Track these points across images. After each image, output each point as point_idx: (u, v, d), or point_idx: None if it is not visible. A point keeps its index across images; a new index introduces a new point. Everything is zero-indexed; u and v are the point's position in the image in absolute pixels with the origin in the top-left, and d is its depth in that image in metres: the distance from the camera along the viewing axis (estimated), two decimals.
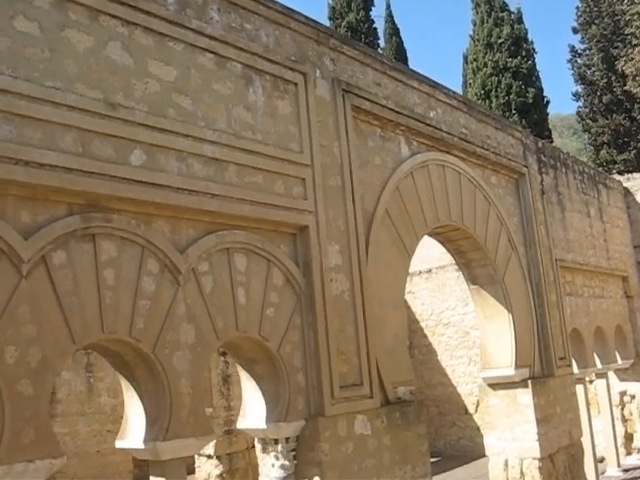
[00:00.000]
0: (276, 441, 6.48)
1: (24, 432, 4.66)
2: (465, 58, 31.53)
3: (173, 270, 5.76)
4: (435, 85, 9.74)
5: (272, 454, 6.47)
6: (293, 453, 6.47)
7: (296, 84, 7.18)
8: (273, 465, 6.42)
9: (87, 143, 5.26)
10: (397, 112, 8.66)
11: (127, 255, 5.48)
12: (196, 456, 13.57)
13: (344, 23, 32.17)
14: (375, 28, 33.88)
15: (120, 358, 5.71)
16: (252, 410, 6.58)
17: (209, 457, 13.18)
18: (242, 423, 6.63)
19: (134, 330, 5.40)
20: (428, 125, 9.27)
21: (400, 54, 33.90)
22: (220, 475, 12.80)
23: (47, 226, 5.03)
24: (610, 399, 15.18)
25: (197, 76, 6.20)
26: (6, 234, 4.78)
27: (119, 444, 5.72)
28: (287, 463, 6.39)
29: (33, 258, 4.89)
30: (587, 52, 31.19)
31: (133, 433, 5.61)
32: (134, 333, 5.40)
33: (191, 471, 14.16)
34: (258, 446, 6.65)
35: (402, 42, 35.61)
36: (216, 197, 6.08)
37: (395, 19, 35.88)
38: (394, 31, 35.60)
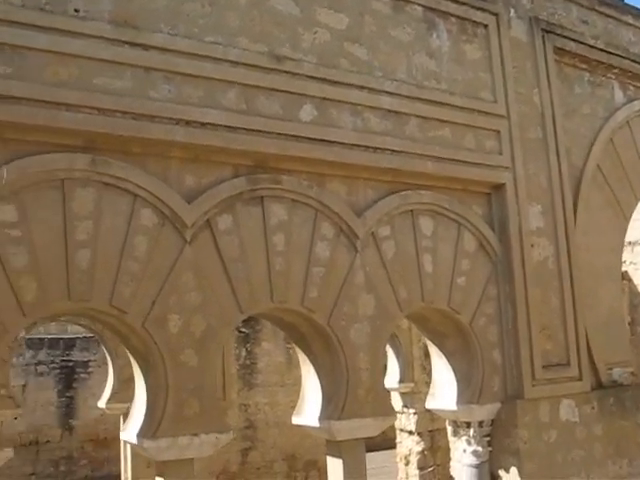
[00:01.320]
0: (468, 425, 5.81)
1: (188, 404, 4.46)
2: None
3: (350, 235, 5.29)
4: None
5: (464, 438, 5.83)
6: (487, 439, 5.77)
7: (486, 26, 6.37)
8: (465, 451, 5.78)
9: (251, 99, 4.91)
10: (609, 53, 7.50)
11: (299, 219, 5.08)
12: (397, 431, 13.23)
13: None
14: None
15: (296, 330, 5.36)
16: (442, 389, 5.98)
17: (410, 433, 12.74)
18: (431, 403, 6.05)
19: (307, 299, 5.01)
20: None
21: None
22: (421, 452, 12.30)
23: (212, 189, 4.76)
24: None
25: (372, 23, 5.63)
26: (169, 198, 4.57)
27: (295, 420, 5.39)
28: (480, 449, 5.71)
29: (197, 223, 4.65)
30: None
31: (309, 410, 5.25)
32: (307, 303, 5.00)
33: (392, 446, 13.87)
34: (449, 429, 6.04)
35: None
36: (397, 154, 5.51)
37: None
38: None
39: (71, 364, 16.07)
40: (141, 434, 4.42)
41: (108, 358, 9.38)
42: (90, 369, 16.11)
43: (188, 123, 4.61)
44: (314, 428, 5.19)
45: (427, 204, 5.73)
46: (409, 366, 12.93)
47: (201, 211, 4.66)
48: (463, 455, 5.77)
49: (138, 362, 4.71)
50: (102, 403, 9.65)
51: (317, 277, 5.08)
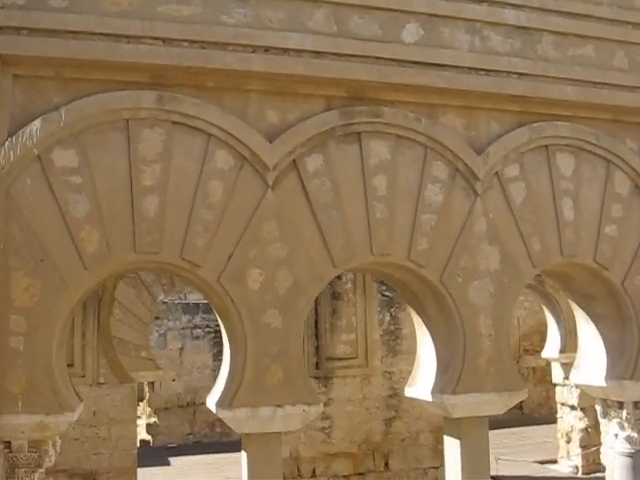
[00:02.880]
0: (620, 405, 4.88)
1: (271, 372, 3.96)
2: None
3: (468, 176, 4.53)
4: None
5: (615, 421, 4.88)
6: None
7: None
8: (617, 436, 4.83)
9: (343, 20, 4.27)
10: None
11: (404, 158, 4.39)
12: (559, 405, 12.17)
13: None
14: None
15: (407, 288, 4.69)
16: (589, 361, 5.05)
17: (572, 408, 11.68)
18: (576, 377, 5.14)
19: (414, 252, 4.30)
20: None
21: None
22: (584, 429, 11.19)
23: (298, 125, 4.16)
24: None
25: None
26: (247, 137, 4.04)
27: (408, 392, 4.73)
28: (635, 435, 4.76)
29: (280, 164, 4.09)
30: None
31: (422, 380, 4.55)
32: (414, 256, 4.29)
33: (553, 420, 12.78)
34: (598, 408, 5.09)
35: None
36: (525, 77, 4.67)
37: None
38: None
39: None
40: (219, 403, 3.99)
41: None
42: None
43: (267, 50, 4.07)
44: (427, 402, 4.47)
45: (566, 138, 4.84)
46: (571, 334, 11.76)
47: (285, 151, 4.09)
48: (615, 440, 4.83)
49: (223, 323, 4.25)
50: None
51: (427, 226, 4.36)
